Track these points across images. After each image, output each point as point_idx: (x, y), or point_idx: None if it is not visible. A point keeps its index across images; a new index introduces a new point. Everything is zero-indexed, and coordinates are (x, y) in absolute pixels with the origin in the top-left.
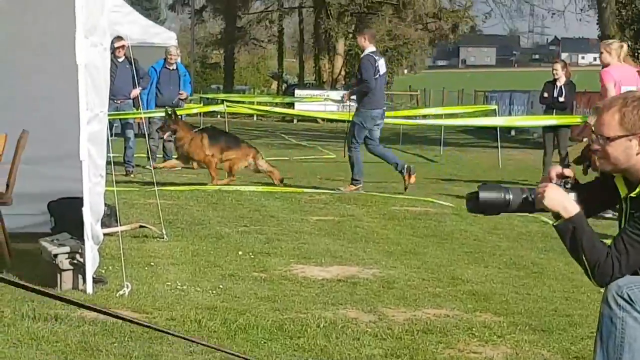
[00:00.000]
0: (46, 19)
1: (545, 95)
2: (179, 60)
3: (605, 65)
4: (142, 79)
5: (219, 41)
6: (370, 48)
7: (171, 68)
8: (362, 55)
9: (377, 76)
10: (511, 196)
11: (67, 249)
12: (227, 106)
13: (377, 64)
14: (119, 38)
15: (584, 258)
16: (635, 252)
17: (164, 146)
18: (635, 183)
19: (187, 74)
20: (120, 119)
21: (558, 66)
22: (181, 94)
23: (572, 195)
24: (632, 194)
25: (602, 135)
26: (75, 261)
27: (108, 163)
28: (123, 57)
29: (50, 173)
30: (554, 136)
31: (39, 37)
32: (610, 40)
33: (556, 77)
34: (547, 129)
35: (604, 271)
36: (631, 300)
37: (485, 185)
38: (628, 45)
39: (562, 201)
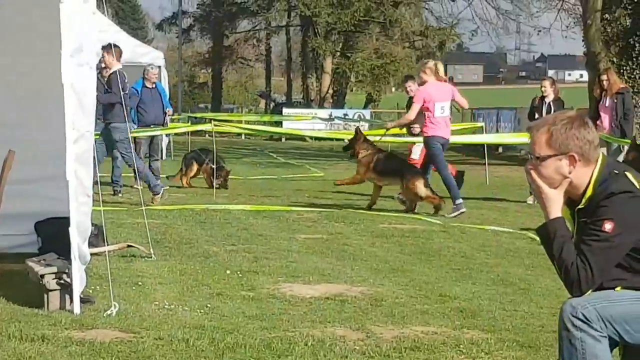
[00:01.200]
0: (32, 39)
1: (537, 115)
2: (165, 79)
3: (422, 83)
4: (130, 98)
5: (207, 60)
6: (118, 65)
7: (151, 87)
8: (111, 71)
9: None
10: None
11: (54, 269)
12: (215, 125)
13: (126, 81)
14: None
15: (555, 263)
16: (599, 260)
17: (150, 165)
18: (578, 198)
19: (163, 91)
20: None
21: (547, 83)
22: (168, 111)
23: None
24: (580, 206)
25: (533, 154)
26: (62, 281)
27: (95, 183)
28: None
29: (37, 193)
30: None
31: (25, 57)
32: (426, 60)
33: (545, 94)
34: None
35: (570, 279)
36: (587, 319)
37: None
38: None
39: (550, 202)
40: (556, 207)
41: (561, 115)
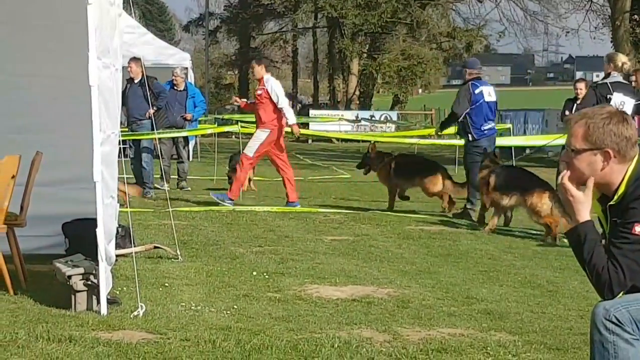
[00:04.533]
0: (58, 42)
1: (567, 113)
2: (191, 81)
3: None
4: (158, 98)
5: (233, 62)
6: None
7: (178, 89)
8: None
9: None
10: None
11: (81, 270)
12: (242, 127)
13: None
14: (135, 59)
15: (585, 266)
16: (630, 262)
17: (177, 168)
18: (611, 194)
19: (196, 94)
20: (134, 141)
21: (582, 85)
22: (186, 115)
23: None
24: (612, 202)
25: (569, 146)
26: (89, 282)
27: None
28: (138, 78)
29: (63, 194)
30: None
31: (52, 59)
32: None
33: (578, 96)
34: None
35: (602, 281)
36: (619, 322)
37: None
38: None
39: (579, 205)
40: (585, 210)
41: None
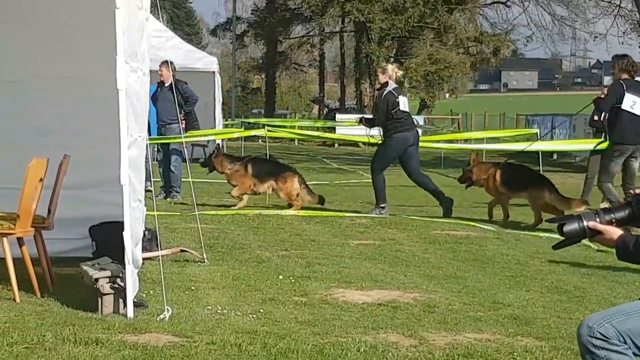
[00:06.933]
0: (85, 46)
1: (596, 118)
2: (218, 85)
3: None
4: (187, 102)
5: (260, 66)
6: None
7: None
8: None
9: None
10: (586, 223)
11: (108, 273)
12: (269, 130)
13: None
14: (165, 63)
15: None
16: None
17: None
18: None
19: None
20: (162, 145)
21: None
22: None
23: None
24: None
25: None
26: (116, 285)
27: (149, 190)
28: (169, 82)
29: (91, 198)
30: (600, 159)
31: (80, 63)
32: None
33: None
34: (593, 152)
35: None
36: (605, 337)
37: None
38: None
39: (609, 236)
40: (616, 231)
41: None
